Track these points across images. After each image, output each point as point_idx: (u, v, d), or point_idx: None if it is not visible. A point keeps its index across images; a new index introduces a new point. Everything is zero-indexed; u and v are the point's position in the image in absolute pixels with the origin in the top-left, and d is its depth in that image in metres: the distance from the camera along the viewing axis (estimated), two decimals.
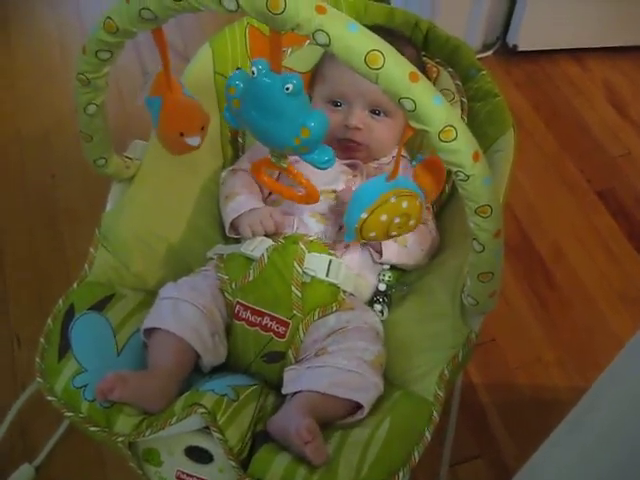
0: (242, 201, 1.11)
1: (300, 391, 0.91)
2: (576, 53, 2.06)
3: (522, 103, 1.95)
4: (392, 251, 1.07)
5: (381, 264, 1.10)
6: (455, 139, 0.69)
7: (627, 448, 0.65)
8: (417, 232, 1.07)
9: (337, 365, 0.92)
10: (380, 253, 1.07)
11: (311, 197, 0.89)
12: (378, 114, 1.11)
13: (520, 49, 2.03)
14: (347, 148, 1.12)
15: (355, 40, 0.64)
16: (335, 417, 0.91)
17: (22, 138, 1.79)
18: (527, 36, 2.00)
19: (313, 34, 0.64)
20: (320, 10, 0.64)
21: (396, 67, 0.65)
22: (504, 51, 2.07)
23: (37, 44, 2.06)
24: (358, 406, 0.91)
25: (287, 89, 0.72)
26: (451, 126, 0.68)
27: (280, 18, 0.64)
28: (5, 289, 1.51)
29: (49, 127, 1.82)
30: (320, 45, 0.65)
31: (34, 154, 1.76)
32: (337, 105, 1.12)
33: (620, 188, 1.75)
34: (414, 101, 0.66)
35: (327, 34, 0.64)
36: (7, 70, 1.98)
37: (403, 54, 0.69)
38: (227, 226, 1.12)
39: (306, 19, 0.64)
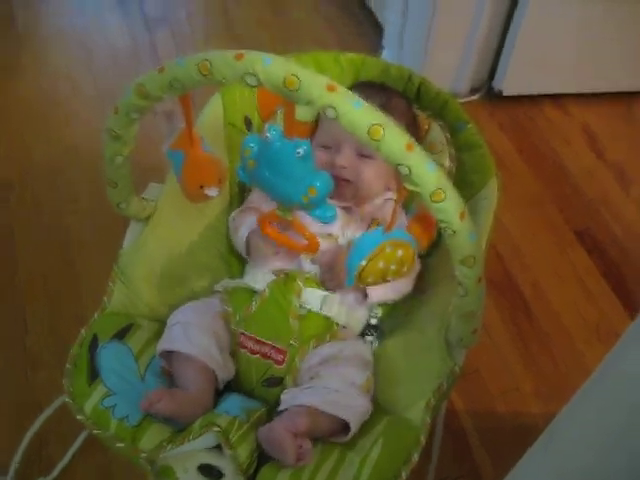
0: (252, 222, 1.15)
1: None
2: (557, 98, 2.13)
3: (506, 145, 2.01)
4: (378, 293, 1.12)
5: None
6: (444, 200, 0.75)
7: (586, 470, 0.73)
8: None
9: (327, 386, 1.00)
10: (366, 296, 1.13)
11: (311, 248, 0.97)
12: (366, 157, 1.17)
13: (505, 94, 2.10)
14: (335, 185, 1.19)
15: (359, 115, 0.72)
16: (322, 433, 0.98)
17: (35, 169, 1.83)
18: (511, 82, 2.08)
19: (323, 109, 0.72)
20: (330, 89, 0.72)
21: (394, 139, 0.73)
22: (490, 95, 2.13)
23: (48, 80, 2.11)
24: (345, 426, 0.98)
25: (298, 153, 0.80)
26: (441, 189, 0.75)
27: (295, 94, 0.72)
28: (20, 315, 1.54)
29: (60, 158, 1.86)
30: (329, 118, 0.73)
31: (47, 185, 1.80)
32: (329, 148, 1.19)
33: (596, 228, 1.81)
34: (409, 168, 0.74)
35: (336, 110, 0.72)
36: (21, 105, 2.03)
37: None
38: (244, 248, 1.18)
39: (318, 96, 0.71)
